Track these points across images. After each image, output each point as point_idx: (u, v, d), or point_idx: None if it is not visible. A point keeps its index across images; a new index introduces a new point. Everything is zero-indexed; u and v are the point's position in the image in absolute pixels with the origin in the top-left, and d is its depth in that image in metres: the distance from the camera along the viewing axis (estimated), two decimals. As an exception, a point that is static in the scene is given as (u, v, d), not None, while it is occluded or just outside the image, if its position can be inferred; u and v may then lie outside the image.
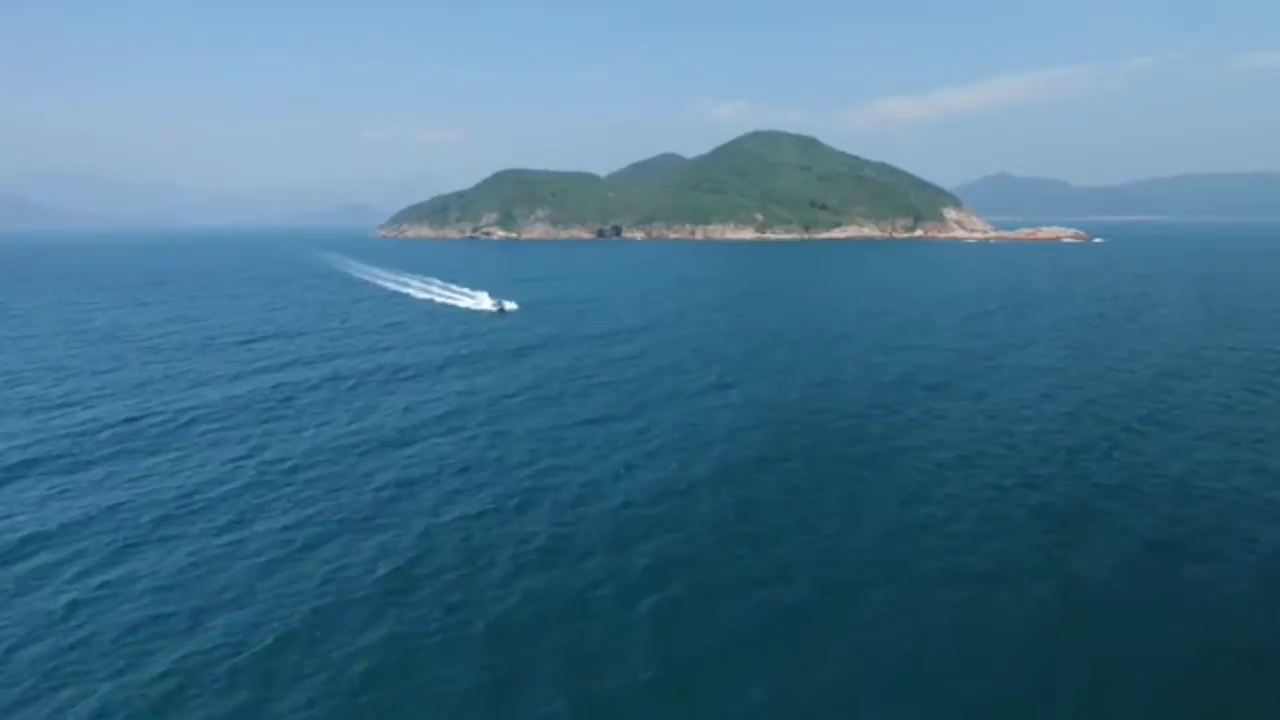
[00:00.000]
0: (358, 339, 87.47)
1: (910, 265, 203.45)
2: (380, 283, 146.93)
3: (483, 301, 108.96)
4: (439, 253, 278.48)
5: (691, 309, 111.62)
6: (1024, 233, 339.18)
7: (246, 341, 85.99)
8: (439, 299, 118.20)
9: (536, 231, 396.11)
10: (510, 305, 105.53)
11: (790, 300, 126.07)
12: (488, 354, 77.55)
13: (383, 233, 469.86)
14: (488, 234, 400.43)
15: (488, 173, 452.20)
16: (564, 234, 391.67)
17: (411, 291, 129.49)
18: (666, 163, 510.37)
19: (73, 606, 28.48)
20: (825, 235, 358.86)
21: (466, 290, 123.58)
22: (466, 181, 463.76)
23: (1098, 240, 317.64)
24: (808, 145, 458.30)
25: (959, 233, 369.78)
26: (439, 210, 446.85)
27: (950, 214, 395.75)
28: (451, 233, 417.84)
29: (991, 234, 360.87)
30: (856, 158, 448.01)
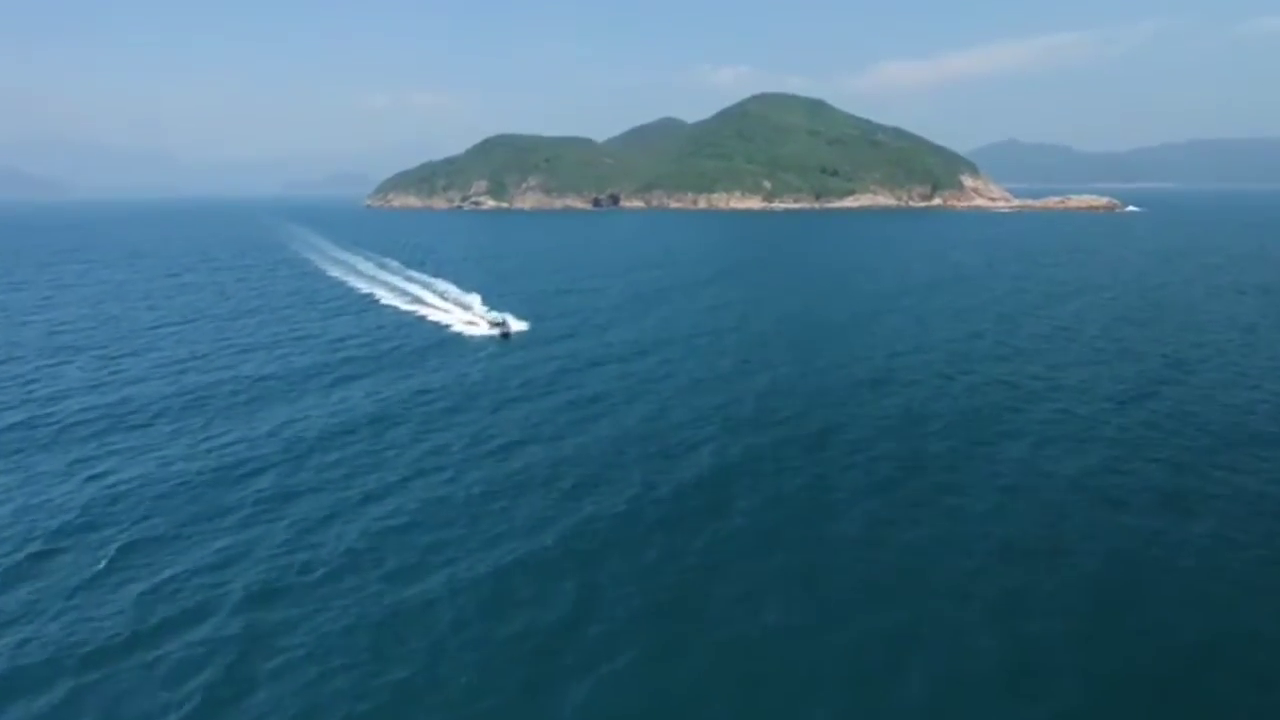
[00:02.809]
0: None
1: (964, 243, 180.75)
2: (349, 281, 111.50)
3: (478, 318, 78.35)
4: (419, 229, 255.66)
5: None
6: (1052, 201, 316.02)
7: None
8: (418, 311, 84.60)
9: (529, 201, 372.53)
10: (515, 325, 73.95)
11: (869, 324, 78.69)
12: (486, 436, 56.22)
13: (370, 202, 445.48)
14: (477, 204, 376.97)
15: (483, 139, 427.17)
16: (558, 203, 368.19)
17: (383, 296, 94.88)
18: (667, 127, 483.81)
19: None
20: (838, 204, 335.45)
21: (455, 293, 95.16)
22: (461, 148, 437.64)
23: (1132, 209, 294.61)
24: (816, 108, 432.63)
25: (980, 201, 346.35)
26: (426, 178, 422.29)
27: (968, 181, 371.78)
28: (439, 202, 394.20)
29: (1016, 203, 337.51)
30: (868, 121, 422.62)
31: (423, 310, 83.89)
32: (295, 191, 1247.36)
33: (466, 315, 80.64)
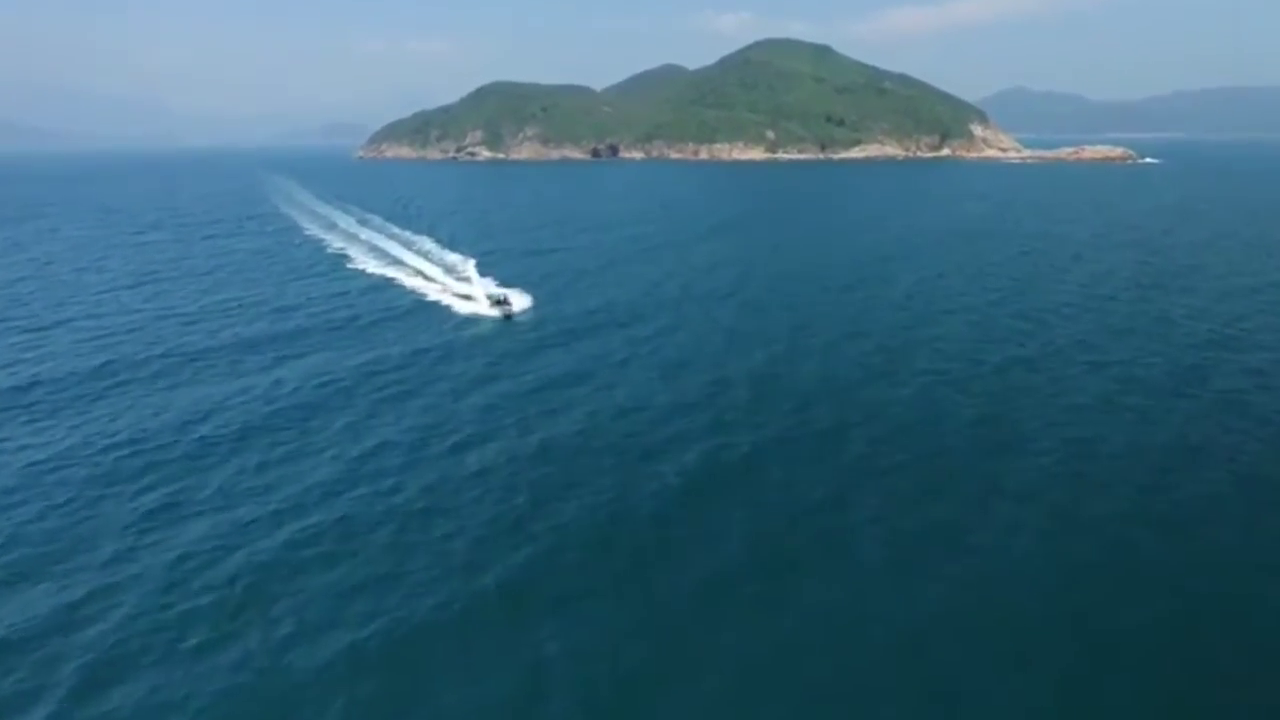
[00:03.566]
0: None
1: (976, 195, 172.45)
2: (329, 243, 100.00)
3: (477, 292, 66.04)
4: (410, 182, 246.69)
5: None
6: (1065, 151, 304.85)
7: None
8: (407, 282, 73.38)
9: (525, 152, 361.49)
10: (518, 302, 62.68)
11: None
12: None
13: (362, 154, 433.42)
14: (472, 155, 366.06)
15: (478, 88, 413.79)
16: (555, 154, 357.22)
17: (369, 266, 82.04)
18: (668, 75, 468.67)
19: None
20: (844, 155, 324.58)
21: (452, 258, 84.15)
22: (457, 97, 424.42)
23: (1149, 160, 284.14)
24: (822, 54, 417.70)
25: (990, 152, 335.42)
26: (420, 128, 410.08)
27: (978, 130, 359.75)
28: (434, 153, 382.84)
29: (1027, 153, 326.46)
30: (875, 68, 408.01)
31: (400, 274, 76.49)
32: (292, 142, 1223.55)
33: (452, 280, 72.10)
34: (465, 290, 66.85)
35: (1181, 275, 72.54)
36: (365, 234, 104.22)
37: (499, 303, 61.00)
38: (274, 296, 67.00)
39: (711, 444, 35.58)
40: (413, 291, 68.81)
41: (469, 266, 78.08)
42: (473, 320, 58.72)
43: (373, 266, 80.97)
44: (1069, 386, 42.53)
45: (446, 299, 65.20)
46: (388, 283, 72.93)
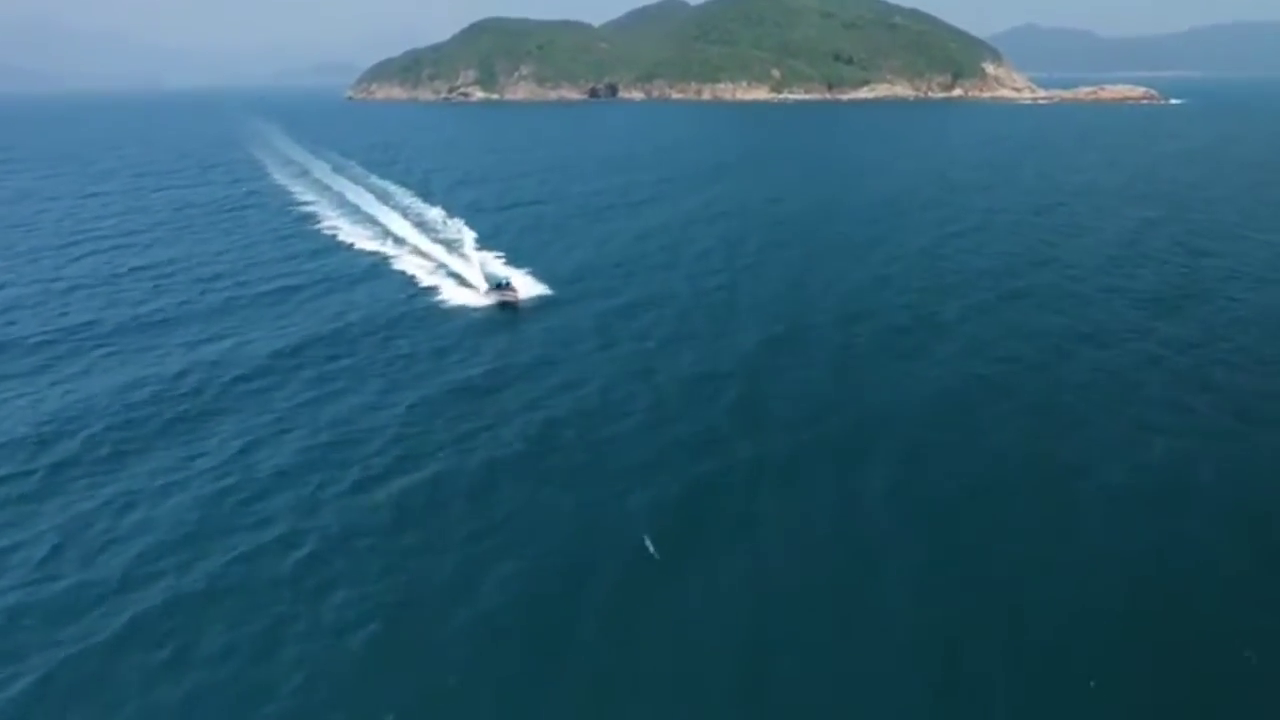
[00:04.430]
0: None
1: (994, 140, 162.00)
2: (296, 196, 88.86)
3: (474, 273, 53.21)
4: (399, 124, 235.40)
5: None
6: (1084, 91, 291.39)
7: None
8: (389, 252, 60.61)
9: (520, 92, 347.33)
10: (521, 290, 48.82)
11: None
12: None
13: (351, 94, 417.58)
14: (465, 95, 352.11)
15: (471, 24, 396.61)
16: (552, 94, 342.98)
17: (340, 232, 69.11)
18: (669, 10, 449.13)
19: None
20: (852, 95, 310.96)
21: (433, 213, 73.82)
22: (448, 34, 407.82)
23: (1175, 101, 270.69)
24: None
25: (1004, 92, 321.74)
26: (411, 67, 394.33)
27: (990, 69, 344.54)
28: (425, 93, 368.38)
29: (1042, 94, 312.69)
30: (884, 2, 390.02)
31: (372, 235, 67.33)
32: (285, 81, 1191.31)
33: (441, 250, 60.01)
34: (452, 263, 55.95)
35: None
36: (340, 185, 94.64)
37: (499, 286, 48.43)
38: (212, 260, 58.56)
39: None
40: (382, 255, 60.02)
41: (459, 229, 66.33)
42: (461, 307, 47.80)
43: (345, 226, 71.33)
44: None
45: (426, 269, 55.61)
46: (352, 246, 64.16)
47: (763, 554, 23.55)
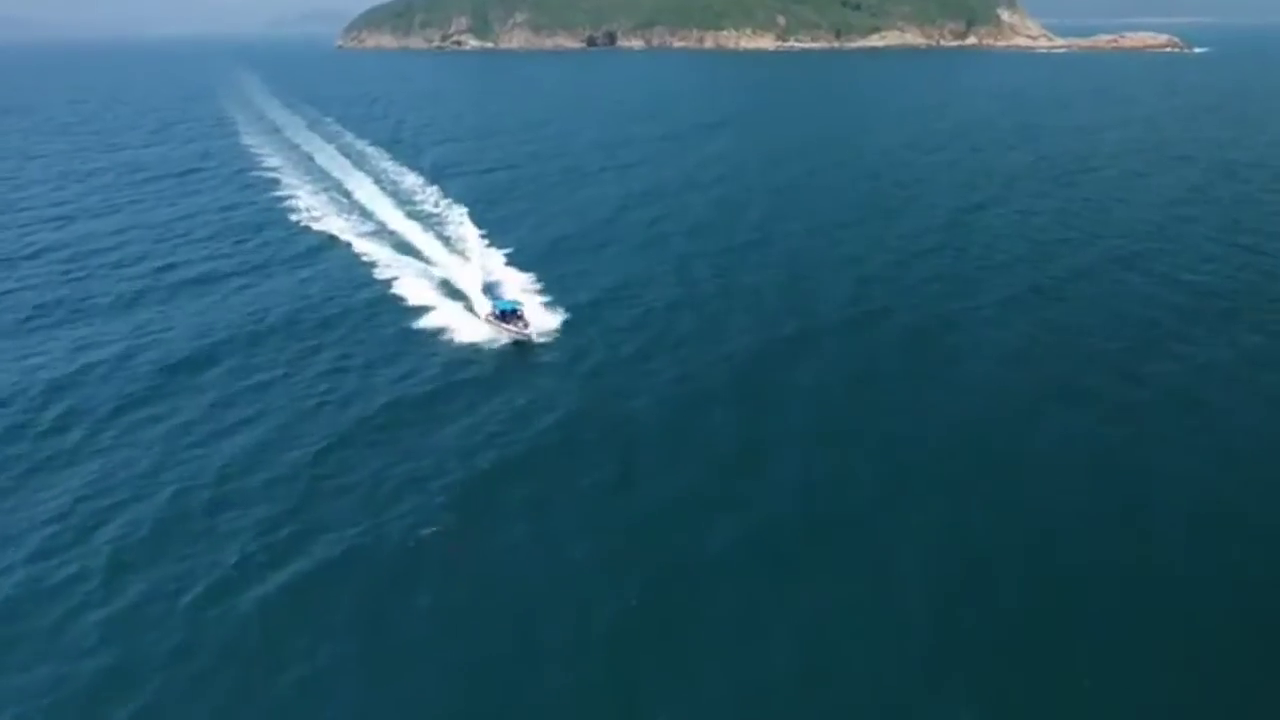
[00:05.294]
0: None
1: (1012, 93, 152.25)
2: (259, 165, 78.07)
3: (477, 295, 41.35)
4: (392, 76, 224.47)
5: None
6: (1103, 40, 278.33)
7: None
8: (375, 259, 46.88)
9: (516, 40, 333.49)
10: (539, 326, 37.48)
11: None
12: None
13: (341, 43, 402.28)
14: (459, 44, 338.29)
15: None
16: (548, 43, 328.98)
17: (298, 204, 60.39)
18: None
19: None
20: (861, 43, 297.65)
21: (411, 180, 65.83)
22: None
23: (1199, 50, 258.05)
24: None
25: (1020, 40, 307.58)
26: (402, 14, 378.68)
27: (1006, 16, 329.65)
28: (417, 41, 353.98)
29: (1060, 42, 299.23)
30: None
31: (333, 212, 59.46)
32: (278, 30, 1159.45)
33: (430, 238, 50.17)
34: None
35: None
36: (312, 145, 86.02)
37: (503, 314, 36.88)
38: (139, 238, 51.02)
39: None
40: (339, 234, 52.11)
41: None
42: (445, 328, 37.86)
43: (306, 196, 62.75)
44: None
45: (389, 255, 46.96)
46: (307, 222, 56.40)
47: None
